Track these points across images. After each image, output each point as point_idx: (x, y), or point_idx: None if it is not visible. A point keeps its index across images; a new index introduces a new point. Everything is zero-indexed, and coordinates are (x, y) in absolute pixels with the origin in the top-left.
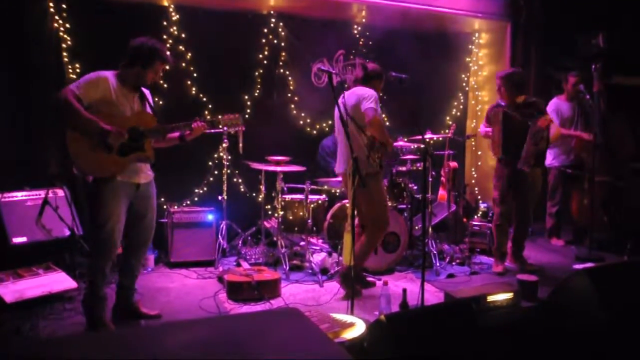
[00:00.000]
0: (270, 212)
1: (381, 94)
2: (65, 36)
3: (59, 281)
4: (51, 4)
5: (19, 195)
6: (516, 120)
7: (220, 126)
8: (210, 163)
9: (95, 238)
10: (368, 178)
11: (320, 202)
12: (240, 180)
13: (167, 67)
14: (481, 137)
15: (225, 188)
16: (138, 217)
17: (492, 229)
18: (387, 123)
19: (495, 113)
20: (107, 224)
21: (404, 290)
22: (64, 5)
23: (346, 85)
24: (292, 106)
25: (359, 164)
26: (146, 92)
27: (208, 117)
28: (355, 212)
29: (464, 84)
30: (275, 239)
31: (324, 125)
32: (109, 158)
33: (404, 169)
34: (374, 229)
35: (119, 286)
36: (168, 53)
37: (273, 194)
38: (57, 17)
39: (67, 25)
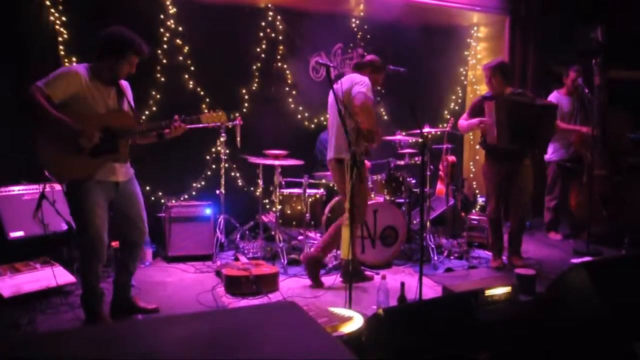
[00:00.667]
0: (268, 206)
1: (379, 88)
2: (62, 29)
3: (56, 275)
4: None
5: (16, 190)
6: (521, 105)
7: (202, 123)
8: (208, 157)
9: (82, 241)
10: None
11: (318, 196)
12: (238, 175)
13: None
14: (464, 131)
15: (223, 182)
16: (124, 217)
17: (487, 224)
18: (385, 117)
19: (498, 102)
20: (91, 225)
21: (402, 284)
22: None
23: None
24: (290, 100)
25: (348, 149)
26: (125, 85)
27: (206, 110)
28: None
29: (463, 78)
30: (273, 233)
31: (322, 119)
32: (81, 160)
33: (402, 163)
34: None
35: (115, 283)
36: (141, 43)
37: (271, 188)
38: (53, 10)
39: (64, 19)
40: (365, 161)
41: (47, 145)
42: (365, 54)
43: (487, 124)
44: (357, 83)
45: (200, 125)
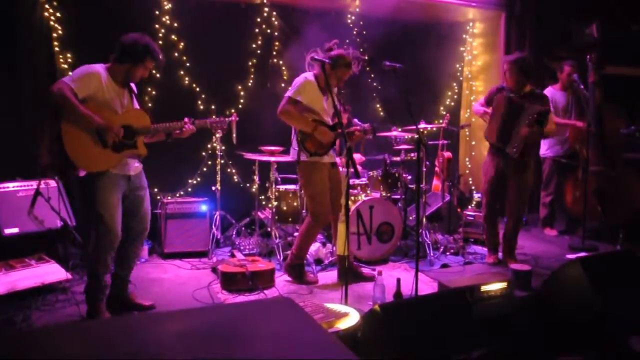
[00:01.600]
0: (264, 203)
1: (342, 83)
2: (56, 25)
3: (51, 272)
4: None
5: (11, 186)
6: (519, 107)
7: (208, 127)
8: (203, 153)
9: (96, 230)
10: (301, 165)
11: None
12: (234, 171)
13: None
14: (475, 117)
15: (219, 178)
16: (135, 208)
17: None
18: (382, 113)
19: (498, 98)
20: (106, 215)
21: (398, 280)
22: None
23: None
24: None
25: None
26: (133, 86)
27: (201, 107)
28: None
29: (458, 74)
30: (269, 229)
31: None
32: (104, 153)
33: (398, 159)
34: (313, 222)
35: (114, 276)
36: (159, 51)
37: (267, 184)
38: (47, 6)
39: (58, 14)
40: (360, 156)
41: (72, 138)
42: (333, 48)
43: (487, 116)
44: (293, 85)
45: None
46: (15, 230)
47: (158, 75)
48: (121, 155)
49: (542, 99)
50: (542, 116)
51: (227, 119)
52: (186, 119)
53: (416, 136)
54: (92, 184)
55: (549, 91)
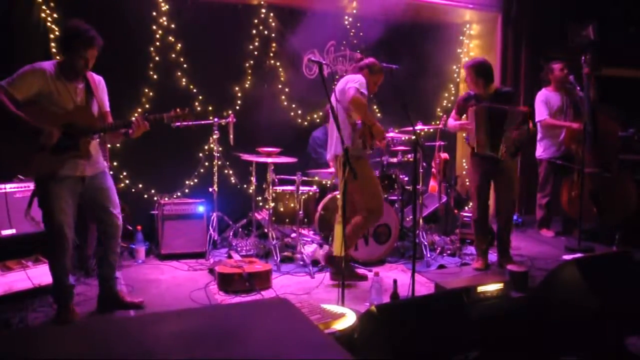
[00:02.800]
0: (261, 204)
1: (376, 88)
2: (53, 26)
3: (48, 273)
4: None
5: (8, 187)
6: (501, 114)
7: (165, 122)
8: (200, 155)
9: (48, 235)
10: (353, 160)
11: (311, 193)
12: (231, 172)
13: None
14: (453, 131)
15: (216, 180)
16: (99, 209)
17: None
18: (379, 115)
19: (478, 109)
20: (54, 220)
21: (395, 281)
22: None
23: (337, 77)
24: (283, 97)
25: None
26: (98, 80)
27: (187, 110)
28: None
29: (455, 75)
30: (266, 230)
31: (315, 116)
32: (44, 157)
33: (394, 160)
34: (368, 217)
35: (99, 277)
36: (91, 36)
37: (264, 186)
38: (44, 7)
39: (55, 15)
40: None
41: (11, 143)
42: (363, 57)
43: (468, 128)
44: (351, 81)
45: (181, 124)
46: (12, 231)
47: (155, 76)
48: (61, 158)
49: (512, 95)
50: (526, 116)
51: (185, 111)
52: (137, 115)
53: (413, 137)
54: (40, 186)
55: (543, 93)
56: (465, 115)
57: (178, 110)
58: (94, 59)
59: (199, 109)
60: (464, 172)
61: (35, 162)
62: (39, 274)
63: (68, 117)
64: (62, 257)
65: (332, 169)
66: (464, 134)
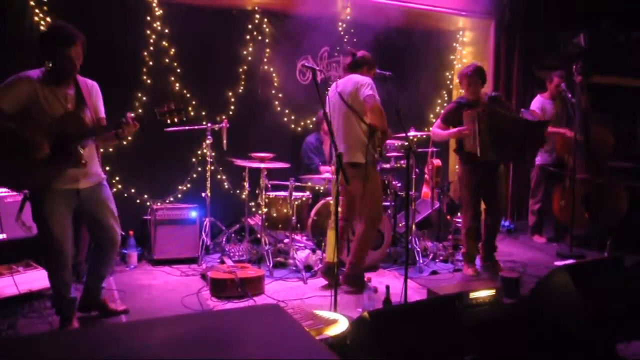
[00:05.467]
0: (254, 209)
1: None
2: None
3: (39, 279)
4: None
5: None
6: (501, 117)
7: (158, 118)
8: (193, 160)
9: (45, 250)
10: (368, 167)
11: (304, 199)
12: (224, 177)
13: (76, 49)
14: (439, 140)
15: (208, 185)
16: (95, 223)
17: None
18: None
19: (479, 114)
20: (51, 235)
21: (387, 287)
22: None
23: (330, 82)
24: (277, 103)
25: (364, 151)
26: (90, 85)
27: (192, 113)
28: (340, 208)
29: (448, 82)
30: (259, 236)
31: (308, 122)
32: (37, 169)
33: (387, 166)
34: (370, 225)
35: (85, 284)
36: (65, 35)
37: (257, 191)
38: (37, 11)
39: (48, 19)
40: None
41: (3, 156)
42: (354, 51)
43: (466, 134)
44: (362, 85)
45: (173, 123)
46: (2, 236)
47: (149, 81)
48: (55, 169)
49: (499, 99)
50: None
51: (179, 105)
52: (128, 114)
53: (406, 143)
54: (34, 200)
55: (538, 100)
56: (451, 124)
57: (172, 105)
58: (80, 58)
59: (192, 113)
60: (457, 178)
61: (28, 174)
62: (30, 280)
63: (57, 126)
64: (61, 271)
65: (324, 175)
66: (456, 141)
